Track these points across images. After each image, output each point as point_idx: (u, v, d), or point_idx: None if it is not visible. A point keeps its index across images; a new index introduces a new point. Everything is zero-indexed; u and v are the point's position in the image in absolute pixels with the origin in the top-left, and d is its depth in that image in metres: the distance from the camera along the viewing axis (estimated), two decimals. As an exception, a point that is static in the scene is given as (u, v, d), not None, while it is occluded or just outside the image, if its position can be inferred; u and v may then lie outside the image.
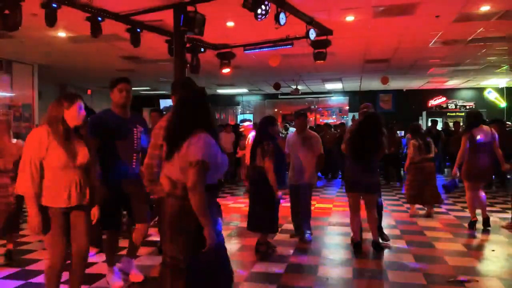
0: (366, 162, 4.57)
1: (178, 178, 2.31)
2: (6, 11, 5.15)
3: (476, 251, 4.84)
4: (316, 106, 18.69)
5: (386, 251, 4.71)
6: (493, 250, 4.75)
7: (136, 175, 3.61)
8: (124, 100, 3.58)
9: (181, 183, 2.30)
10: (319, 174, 10.52)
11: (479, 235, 5.46)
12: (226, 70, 8.91)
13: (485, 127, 5.76)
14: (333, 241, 5.25)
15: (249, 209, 4.76)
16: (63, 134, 2.84)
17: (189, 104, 2.40)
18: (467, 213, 6.43)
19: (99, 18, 6.19)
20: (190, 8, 5.91)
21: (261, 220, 4.56)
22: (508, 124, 11.66)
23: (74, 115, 2.87)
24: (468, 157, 5.65)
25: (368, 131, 4.54)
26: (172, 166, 2.34)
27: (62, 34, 7.78)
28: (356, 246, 4.69)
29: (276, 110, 19.13)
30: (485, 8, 6.42)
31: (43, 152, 2.78)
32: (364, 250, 4.73)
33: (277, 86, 13.96)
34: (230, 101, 18.63)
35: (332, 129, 12.39)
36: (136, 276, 3.80)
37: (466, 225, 5.90)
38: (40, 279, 3.76)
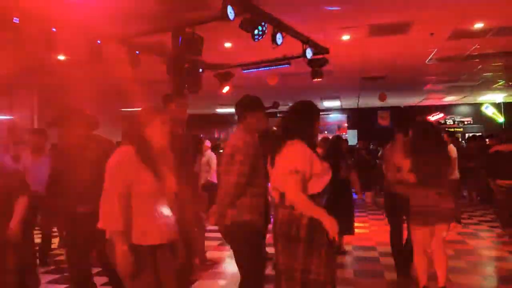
0: (437, 183, 3.64)
1: (280, 187, 2.40)
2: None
3: (479, 268, 4.79)
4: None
5: (387, 269, 4.65)
6: (496, 267, 4.70)
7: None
8: (186, 116, 3.34)
9: (282, 192, 2.39)
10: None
11: (481, 252, 5.41)
12: (225, 89, 9.00)
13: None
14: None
15: None
16: (149, 156, 2.38)
17: (298, 114, 2.56)
18: (469, 229, 6.41)
19: (98, 41, 6.28)
20: (188, 30, 6.00)
21: (347, 224, 5.11)
22: None
23: (157, 133, 2.42)
24: None
25: (429, 144, 3.69)
26: (275, 176, 2.48)
27: (61, 57, 7.86)
28: None
29: (275, 128, 19.17)
30: (479, 25, 6.51)
31: (130, 176, 2.31)
32: (366, 269, 4.68)
33: (275, 105, 14.05)
34: (229, 120, 18.71)
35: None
36: None
37: (468, 241, 5.87)
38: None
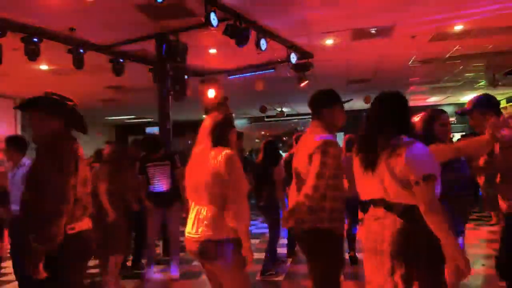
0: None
1: (392, 197, 1.97)
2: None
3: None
4: (302, 128, 18.83)
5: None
6: (483, 265, 4.77)
7: None
8: None
9: (397, 203, 1.96)
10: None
11: (468, 250, 5.46)
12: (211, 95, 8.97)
13: None
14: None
15: None
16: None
17: (394, 106, 2.13)
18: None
19: (81, 50, 6.22)
20: (172, 37, 5.98)
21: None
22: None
23: (234, 140, 2.61)
24: None
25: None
26: (376, 184, 2.02)
27: (44, 67, 7.77)
28: None
29: (263, 132, 19.23)
30: (458, 28, 6.63)
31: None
32: (361, 272, 4.70)
33: (263, 109, 14.10)
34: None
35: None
36: None
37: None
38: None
